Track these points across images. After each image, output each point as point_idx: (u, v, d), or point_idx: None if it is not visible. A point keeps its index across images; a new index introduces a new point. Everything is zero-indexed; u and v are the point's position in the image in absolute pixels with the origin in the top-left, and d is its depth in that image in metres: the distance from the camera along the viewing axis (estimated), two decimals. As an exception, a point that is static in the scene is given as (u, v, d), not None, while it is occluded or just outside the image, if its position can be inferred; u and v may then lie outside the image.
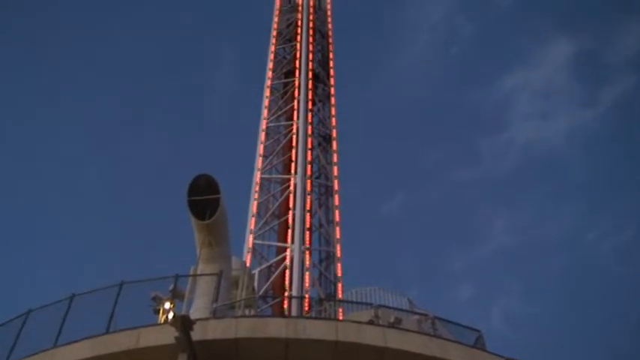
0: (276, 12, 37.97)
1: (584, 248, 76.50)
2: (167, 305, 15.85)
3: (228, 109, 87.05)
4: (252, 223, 27.75)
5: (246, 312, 18.03)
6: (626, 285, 66.46)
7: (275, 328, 13.52)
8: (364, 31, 77.44)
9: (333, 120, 33.10)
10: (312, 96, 33.31)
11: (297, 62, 34.41)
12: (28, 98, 78.07)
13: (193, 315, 14.23)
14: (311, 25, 36.79)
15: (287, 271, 25.40)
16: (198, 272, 17.55)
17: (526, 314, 75.83)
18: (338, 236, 28.38)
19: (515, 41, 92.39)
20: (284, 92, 33.66)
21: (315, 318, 16.80)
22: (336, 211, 29.22)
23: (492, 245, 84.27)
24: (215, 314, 14.82)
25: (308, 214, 28.11)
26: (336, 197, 29.74)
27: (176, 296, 16.32)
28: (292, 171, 29.38)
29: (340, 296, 25.18)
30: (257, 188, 29.00)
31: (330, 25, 38.29)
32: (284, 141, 31.21)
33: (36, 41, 78.63)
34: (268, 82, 33.72)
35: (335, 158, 31.41)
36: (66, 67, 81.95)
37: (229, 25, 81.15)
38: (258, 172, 29.55)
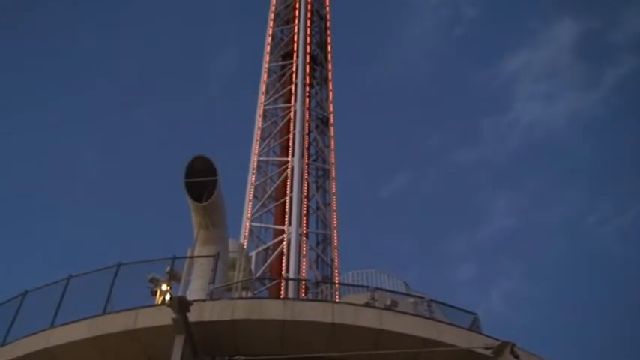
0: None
1: (585, 231, 76.38)
2: (164, 287, 15.99)
3: (227, 91, 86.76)
4: (249, 206, 27.82)
5: (243, 294, 18.09)
6: (627, 267, 66.74)
7: (271, 309, 13.54)
8: (365, 12, 76.80)
9: (331, 106, 33.06)
10: (310, 79, 33.21)
11: (295, 45, 34.28)
12: (25, 83, 77.78)
13: (190, 296, 14.26)
14: (309, 7, 36.54)
15: (284, 254, 25.47)
16: (195, 254, 17.58)
17: (526, 296, 76.11)
18: (335, 222, 28.46)
19: (519, 22, 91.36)
20: (281, 74, 33.55)
21: (312, 300, 16.86)
22: (333, 198, 29.27)
23: (493, 227, 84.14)
24: (212, 296, 14.84)
25: (305, 197, 28.14)
26: (333, 184, 29.75)
27: (173, 278, 16.39)
28: (290, 153, 29.36)
29: (337, 279, 25.27)
30: (254, 169, 29.02)
31: (328, 8, 38.04)
32: (281, 123, 31.17)
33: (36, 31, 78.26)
34: (266, 65, 33.61)
35: (332, 145, 31.38)
36: (66, 51, 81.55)
37: (229, 7, 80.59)
38: (255, 156, 29.56)
